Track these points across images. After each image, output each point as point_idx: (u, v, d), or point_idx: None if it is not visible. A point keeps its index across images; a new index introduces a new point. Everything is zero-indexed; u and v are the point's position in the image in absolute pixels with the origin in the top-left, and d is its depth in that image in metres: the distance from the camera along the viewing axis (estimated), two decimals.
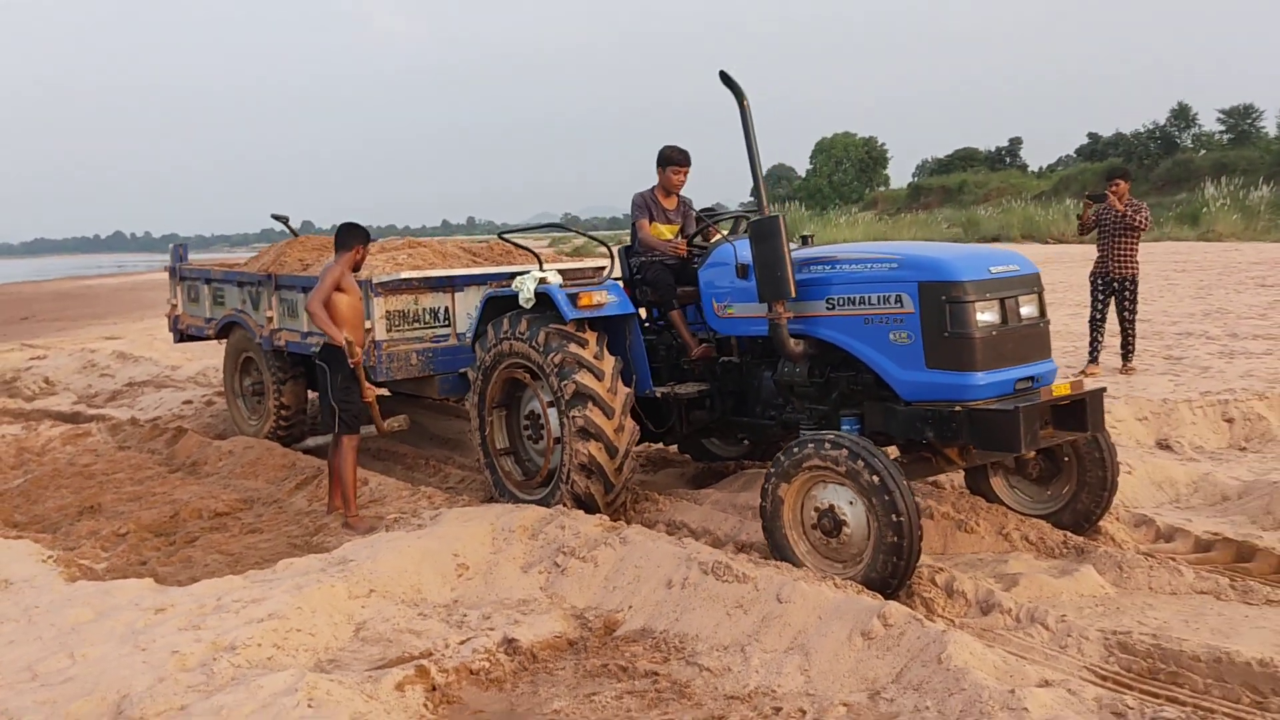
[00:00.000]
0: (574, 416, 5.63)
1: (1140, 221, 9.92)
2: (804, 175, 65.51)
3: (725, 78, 5.18)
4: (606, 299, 5.90)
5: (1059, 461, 5.34)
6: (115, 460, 7.96)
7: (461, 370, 7.00)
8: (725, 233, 6.23)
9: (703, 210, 6.59)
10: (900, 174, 66.32)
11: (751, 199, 5.74)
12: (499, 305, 6.31)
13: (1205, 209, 31.77)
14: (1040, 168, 59.06)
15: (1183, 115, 51.48)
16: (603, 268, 7.86)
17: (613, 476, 5.69)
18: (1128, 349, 9.78)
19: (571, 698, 3.81)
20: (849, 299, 5.03)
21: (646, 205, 6.38)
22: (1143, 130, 51.55)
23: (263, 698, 3.46)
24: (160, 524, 6.16)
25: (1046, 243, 30.88)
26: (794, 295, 5.10)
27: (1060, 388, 4.84)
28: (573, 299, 5.80)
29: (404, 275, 7.24)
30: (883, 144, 63.64)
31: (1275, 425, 7.01)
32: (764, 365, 5.77)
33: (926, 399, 4.76)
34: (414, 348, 7.19)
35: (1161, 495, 5.90)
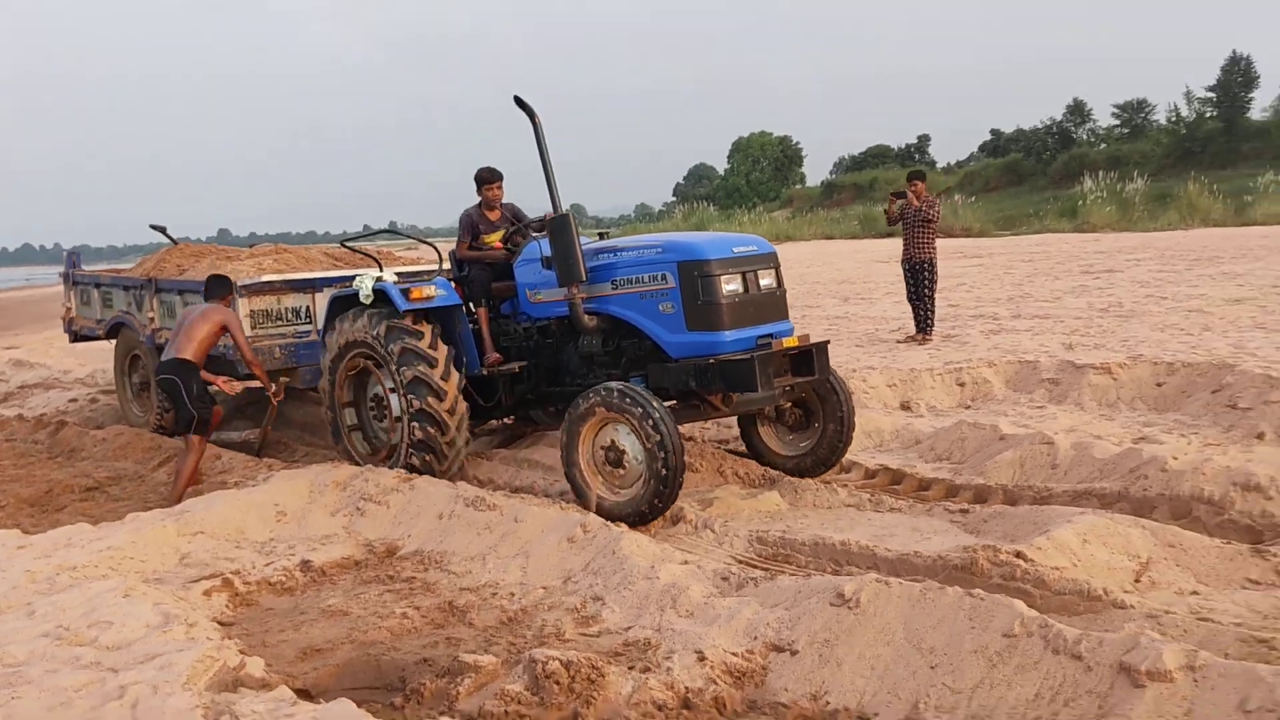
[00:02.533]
0: (411, 399, 6.48)
1: (934, 215, 11.33)
2: (723, 174, 67.09)
3: (519, 101, 6.16)
4: (435, 293, 6.77)
5: (810, 411, 6.47)
6: (0, 450, 8.88)
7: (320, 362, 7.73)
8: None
9: (534, 219, 7.33)
10: (819, 171, 67.55)
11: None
12: (344, 303, 7.17)
13: (1082, 202, 33.62)
14: (949, 164, 61.19)
15: (1078, 111, 53.79)
16: (434, 269, 8.67)
17: (445, 449, 6.52)
18: (928, 323, 11.15)
19: (344, 596, 4.93)
20: (628, 279, 6.09)
21: (472, 224, 7.31)
22: (1041, 126, 53.67)
23: (90, 595, 4.52)
24: (35, 498, 7.13)
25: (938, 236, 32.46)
26: (585, 279, 6.11)
27: (789, 341, 5.95)
28: (405, 294, 6.67)
29: (266, 278, 8.16)
30: (798, 142, 65.53)
31: (998, 387, 8.36)
32: (570, 341, 6.69)
33: (689, 356, 5.85)
34: (277, 343, 8.08)
35: (869, 441, 7.19)
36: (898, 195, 11.75)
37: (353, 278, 7.87)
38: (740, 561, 4.97)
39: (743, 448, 7.03)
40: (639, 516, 5.46)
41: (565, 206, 6.34)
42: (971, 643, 3.63)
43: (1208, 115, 48.99)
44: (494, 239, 7.33)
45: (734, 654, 3.95)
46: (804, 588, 4.22)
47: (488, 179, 7.30)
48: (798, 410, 6.54)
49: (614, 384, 5.67)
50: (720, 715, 3.65)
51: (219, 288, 7.50)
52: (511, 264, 7.03)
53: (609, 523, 5.11)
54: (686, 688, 3.75)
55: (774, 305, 6.07)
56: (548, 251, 6.33)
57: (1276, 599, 4.13)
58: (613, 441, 5.63)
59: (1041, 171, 51.58)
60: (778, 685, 3.79)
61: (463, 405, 6.61)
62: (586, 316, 6.21)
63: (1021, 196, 48.85)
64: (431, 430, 6.46)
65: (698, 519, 5.41)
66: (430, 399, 6.44)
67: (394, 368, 6.58)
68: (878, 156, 62.13)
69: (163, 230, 10.92)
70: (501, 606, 4.70)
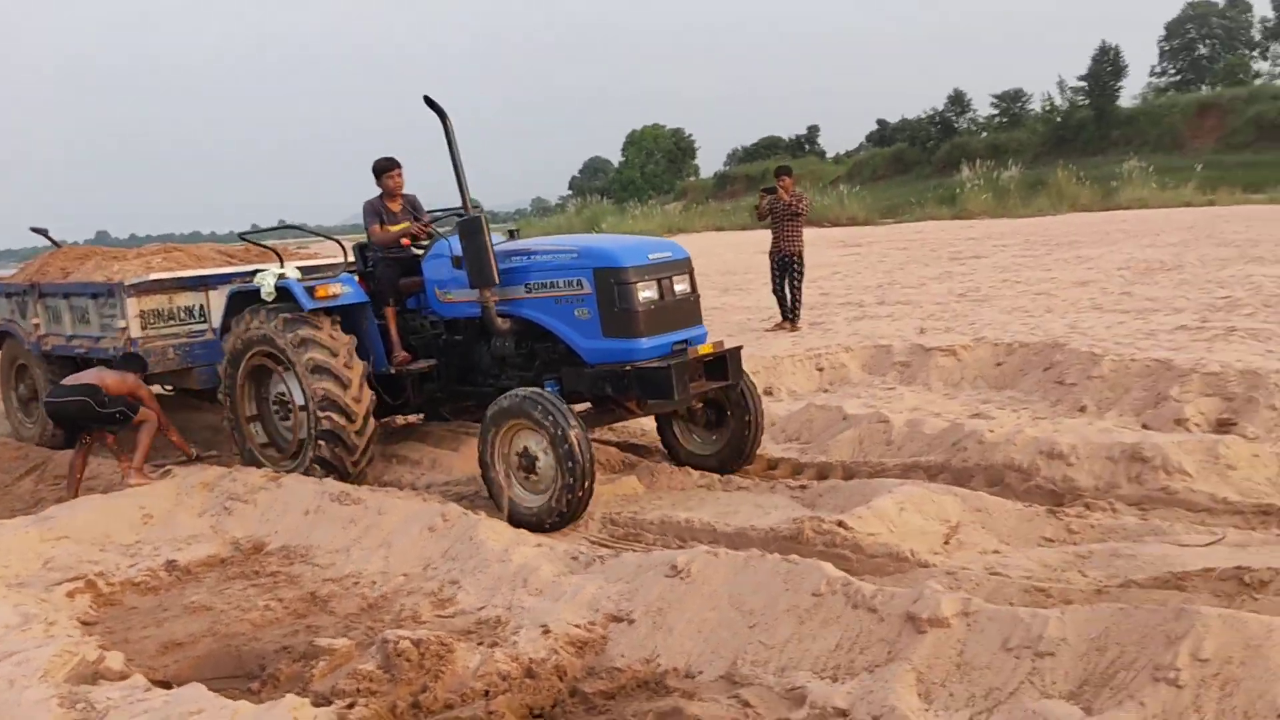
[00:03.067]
0: (315, 389, 6.37)
1: (802, 209, 11.80)
2: (618, 167, 67.45)
3: (429, 101, 6.05)
4: (341, 290, 6.67)
5: (721, 409, 6.50)
6: None
7: (218, 362, 7.45)
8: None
9: (440, 212, 7.14)
10: (713, 163, 68.11)
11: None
12: (243, 299, 6.93)
13: (960, 190, 34.88)
14: (838, 153, 62.59)
15: (959, 101, 55.54)
16: (338, 264, 8.37)
17: (354, 439, 6.41)
18: (795, 313, 11.63)
19: (209, 593, 5.09)
20: (542, 284, 6.04)
21: (377, 211, 7.00)
22: (924, 116, 55.28)
23: None
24: None
25: (823, 225, 33.35)
26: (498, 282, 6.04)
27: (705, 348, 6.00)
28: (310, 291, 6.53)
29: (155, 276, 7.85)
30: (690, 135, 66.27)
31: (853, 371, 8.85)
32: (481, 341, 6.57)
33: (605, 362, 5.82)
34: (170, 343, 7.85)
35: None
36: (767, 191, 12.19)
37: (248, 274, 7.63)
38: (592, 542, 5.27)
39: (613, 436, 7.34)
40: (550, 521, 5.48)
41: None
42: (785, 603, 3.99)
43: (1080, 104, 51.15)
44: (396, 230, 7.07)
45: (577, 626, 4.25)
46: (643, 562, 4.54)
47: (387, 167, 7.03)
48: (709, 409, 6.57)
49: (527, 390, 5.65)
50: (561, 682, 3.93)
51: (132, 364, 7.31)
52: (419, 259, 6.91)
53: (468, 511, 5.35)
54: (530, 659, 4.02)
55: (688, 311, 6.08)
56: (458, 250, 6.22)
57: (1064, 553, 4.60)
58: (526, 448, 5.62)
59: (926, 160, 53.20)
60: (615, 652, 4.10)
61: (369, 394, 6.53)
62: (499, 319, 6.15)
63: (907, 185, 50.34)
64: (338, 419, 6.36)
65: None
66: (334, 386, 6.36)
67: (296, 359, 6.46)
68: (769, 147, 63.24)
69: (44, 233, 10.52)
70: (363, 594, 4.92)
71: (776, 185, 12.01)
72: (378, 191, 7.08)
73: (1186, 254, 14.48)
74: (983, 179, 36.07)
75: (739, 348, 6.28)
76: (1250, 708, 2.92)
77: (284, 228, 8.74)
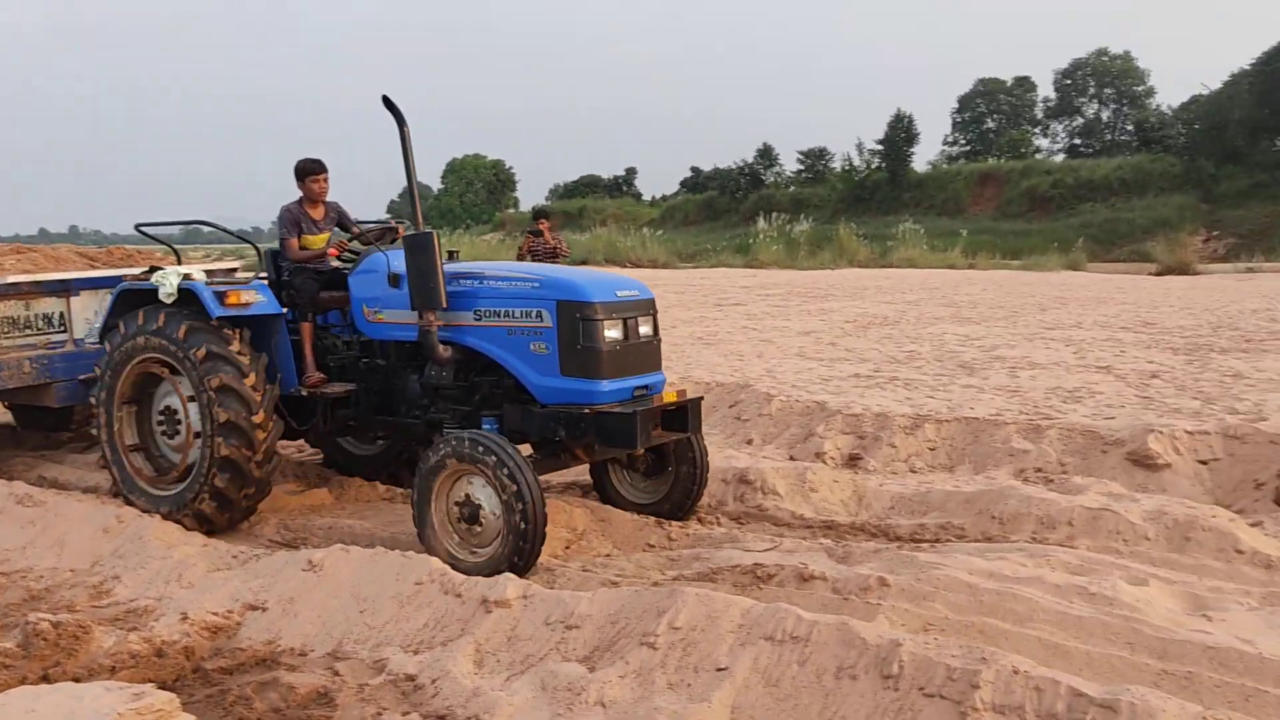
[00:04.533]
0: (216, 411, 5.75)
1: (563, 251, 12.65)
2: (437, 194, 67.45)
3: (387, 102, 5.49)
4: (255, 298, 6.04)
5: (664, 459, 6.07)
6: None
7: (82, 376, 7.02)
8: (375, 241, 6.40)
9: (374, 225, 6.74)
10: (533, 195, 68.98)
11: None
12: (133, 300, 6.28)
13: (753, 240, 36.87)
14: (653, 196, 64.58)
15: (767, 155, 58.43)
16: (234, 269, 8.03)
17: (254, 471, 5.87)
18: None
19: None
20: (494, 312, 5.55)
21: (295, 221, 6.39)
22: (734, 167, 57.86)
23: None
24: None
25: (625, 266, 34.58)
26: (445, 306, 5.56)
27: (669, 395, 5.62)
28: (220, 297, 5.89)
29: (11, 279, 7.09)
30: (510, 167, 67.06)
31: None
32: (410, 368, 6.06)
33: (560, 402, 5.38)
34: (26, 355, 7.10)
35: None
36: (533, 233, 12.97)
37: (114, 279, 7.11)
38: (267, 544, 5.79)
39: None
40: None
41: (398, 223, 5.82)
42: (393, 590, 4.66)
43: (875, 166, 54.75)
44: (318, 240, 6.50)
45: (215, 614, 4.78)
46: (288, 559, 5.12)
47: (312, 170, 6.43)
48: (650, 455, 6.14)
49: (464, 432, 5.24)
50: (187, 660, 4.46)
51: None
52: (342, 273, 6.39)
53: (143, 513, 5.79)
54: (163, 640, 4.53)
55: (650, 355, 5.70)
56: (396, 267, 5.80)
57: (658, 556, 5.45)
58: (467, 496, 5.19)
59: (734, 209, 55.70)
60: (245, 636, 4.66)
61: (276, 423, 6.00)
62: (440, 346, 5.65)
63: (716, 232, 52.56)
64: (239, 447, 5.79)
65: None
66: (240, 410, 5.78)
67: (197, 374, 5.85)
68: (589, 185, 64.69)
69: None
70: (28, 587, 5.30)
71: (540, 228, 12.81)
72: (296, 195, 6.48)
73: (910, 311, 16.11)
74: (777, 231, 38.20)
75: (700, 398, 6.03)
76: (700, 663, 3.76)
77: (194, 223, 7.82)
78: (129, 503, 6.18)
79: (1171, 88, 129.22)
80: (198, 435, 5.98)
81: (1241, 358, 9.98)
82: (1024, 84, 66.08)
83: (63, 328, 7.38)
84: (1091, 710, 3.11)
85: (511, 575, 4.54)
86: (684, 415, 5.66)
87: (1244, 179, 48.11)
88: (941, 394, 8.67)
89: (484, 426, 5.48)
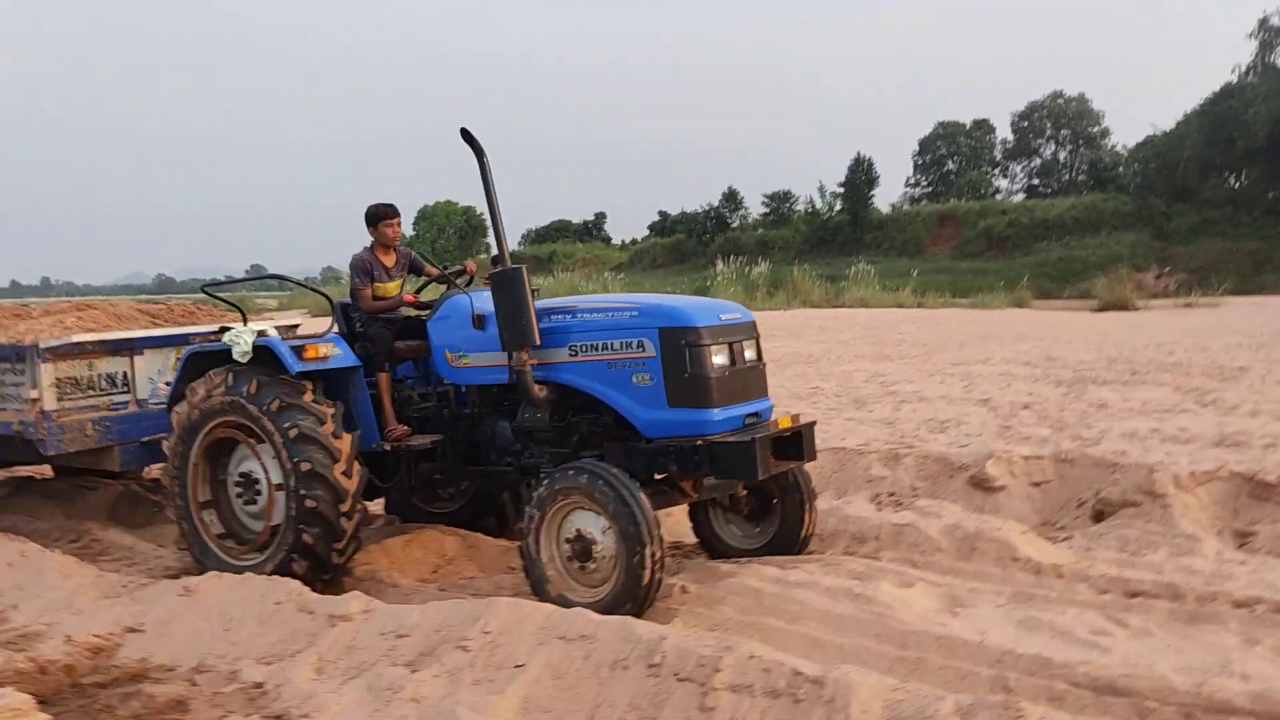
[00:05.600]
0: (299, 463, 5.55)
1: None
2: (408, 240, 68.07)
3: (466, 135, 5.43)
4: (333, 351, 5.90)
5: (768, 501, 5.83)
6: None
7: (145, 439, 6.84)
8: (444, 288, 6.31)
9: (453, 269, 6.53)
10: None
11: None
12: (203, 362, 6.11)
13: (710, 283, 37.59)
14: (623, 240, 65.51)
15: (732, 198, 59.50)
16: (296, 325, 7.79)
17: (341, 524, 5.62)
18: None
19: None
20: (592, 345, 5.31)
21: (368, 269, 6.20)
22: (700, 211, 58.87)
23: None
24: None
25: None
26: (539, 343, 5.33)
27: (784, 420, 5.37)
28: (298, 351, 5.75)
29: (76, 338, 6.84)
30: (481, 214, 67.78)
31: None
32: (499, 413, 5.87)
33: (669, 435, 5.12)
34: (89, 417, 6.80)
35: None
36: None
37: (179, 338, 7.12)
38: (166, 575, 6.27)
39: None
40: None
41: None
42: (255, 611, 5.16)
43: (837, 209, 55.87)
44: (392, 289, 6.33)
45: (97, 636, 5.26)
46: (168, 586, 5.62)
47: (385, 214, 6.27)
48: (753, 497, 5.86)
49: (582, 463, 5.11)
50: (67, 677, 4.94)
51: None
52: (417, 321, 6.25)
53: (45, 549, 6.25)
54: (48, 659, 5.01)
55: (757, 381, 5.47)
56: (480, 308, 5.65)
57: (516, 575, 5.96)
58: (579, 532, 5.01)
59: (701, 252, 56.60)
60: (122, 655, 5.14)
61: (359, 470, 5.76)
62: (536, 386, 5.42)
63: (683, 274, 53.37)
64: (325, 498, 5.57)
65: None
66: (321, 458, 5.57)
67: (274, 430, 5.65)
68: (559, 230, 65.56)
69: None
70: None
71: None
72: (367, 242, 6.32)
73: (836, 350, 16.76)
74: (735, 273, 38.96)
75: (813, 423, 5.66)
76: (503, 661, 4.29)
77: (262, 278, 7.80)
78: (201, 565, 6.06)
79: (1127, 128, 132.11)
80: (279, 488, 5.77)
81: (1117, 389, 10.62)
82: (982, 126, 67.63)
83: (126, 388, 7.08)
84: (805, 685, 3.65)
85: (358, 594, 5.06)
86: (799, 442, 5.36)
87: (1194, 216, 49.38)
88: (824, 426, 9.25)
89: None
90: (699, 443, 5.03)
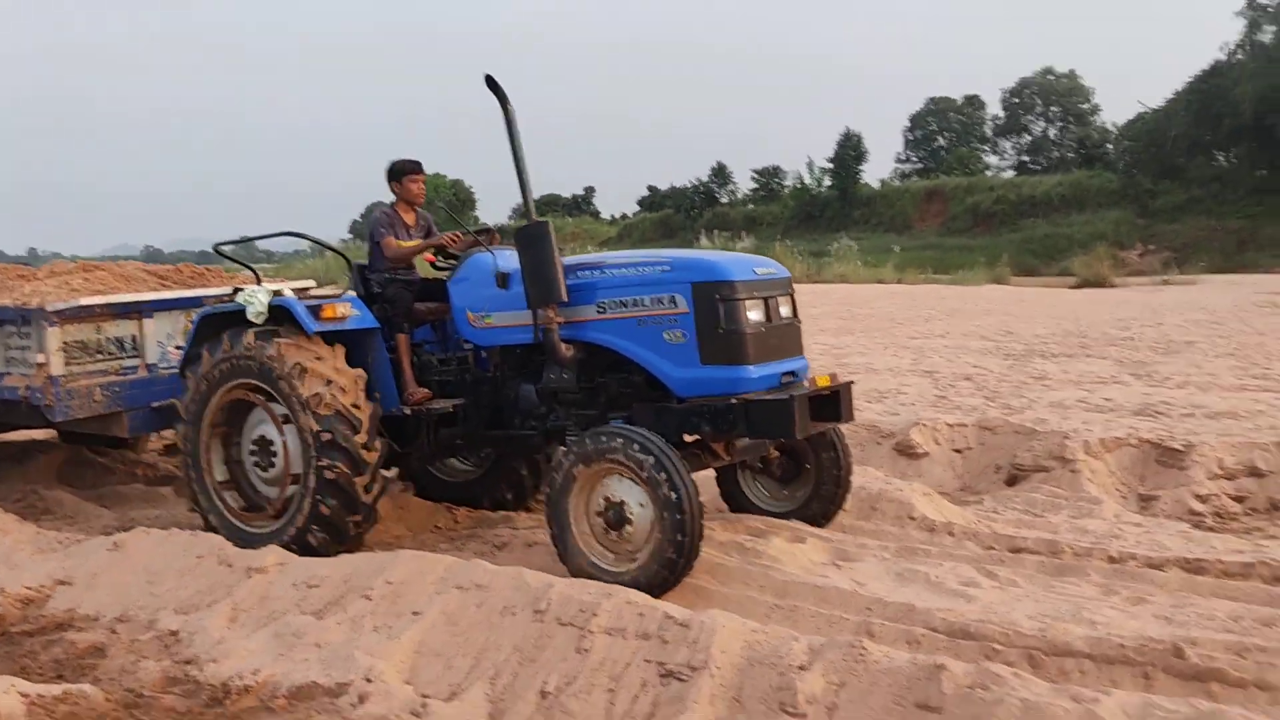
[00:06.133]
0: (319, 432, 5.37)
1: None
2: None
3: (491, 82, 5.19)
4: (351, 311, 5.72)
5: (800, 463, 5.62)
6: None
7: (154, 404, 6.65)
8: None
9: (479, 227, 6.14)
10: (495, 214, 69.60)
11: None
12: (216, 324, 5.91)
13: None
14: (613, 215, 65.52)
15: (721, 174, 59.50)
16: (309, 287, 7.60)
17: (361, 495, 5.45)
18: None
19: None
20: (621, 301, 5.10)
21: (390, 222, 6.05)
22: (689, 186, 58.88)
23: None
24: None
25: None
26: (566, 299, 5.14)
27: (822, 379, 5.16)
28: (315, 311, 5.58)
29: (85, 301, 6.60)
30: (470, 186, 67.76)
31: None
32: (523, 375, 5.68)
33: (702, 394, 4.91)
34: (97, 382, 6.58)
35: None
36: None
37: (189, 300, 6.92)
38: (99, 532, 6.47)
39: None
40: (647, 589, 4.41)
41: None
42: (179, 565, 5.36)
43: (826, 185, 55.92)
44: (421, 244, 6.11)
45: (29, 588, 5.47)
46: (100, 542, 5.82)
47: (410, 169, 6.09)
48: (787, 458, 5.69)
49: (615, 426, 4.86)
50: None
51: None
52: (437, 283, 6.03)
53: None
54: None
55: (793, 338, 5.29)
56: (504, 266, 5.49)
57: (441, 535, 6.18)
58: (610, 499, 4.74)
59: (689, 227, 56.65)
60: (52, 606, 5.34)
61: (383, 442, 5.60)
62: (563, 345, 5.23)
63: (669, 249, 53.58)
64: (344, 468, 5.38)
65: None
66: (342, 428, 5.39)
67: (294, 396, 5.45)
68: (549, 204, 65.47)
69: None
70: None
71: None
72: (391, 199, 6.17)
73: (806, 324, 16.93)
74: (719, 248, 39.12)
75: (851, 382, 5.42)
76: (403, 610, 4.49)
77: (280, 235, 7.06)
78: (211, 528, 5.90)
79: (1117, 105, 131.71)
80: (295, 480, 5.58)
81: (1061, 362, 10.84)
82: (973, 102, 67.52)
83: (135, 352, 6.82)
84: (674, 628, 3.87)
85: (275, 547, 5.27)
86: (836, 402, 5.14)
87: (1180, 194, 49.46)
88: None
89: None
90: (733, 401, 4.80)
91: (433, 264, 6.12)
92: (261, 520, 5.79)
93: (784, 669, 3.60)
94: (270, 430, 5.77)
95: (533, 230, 5.18)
